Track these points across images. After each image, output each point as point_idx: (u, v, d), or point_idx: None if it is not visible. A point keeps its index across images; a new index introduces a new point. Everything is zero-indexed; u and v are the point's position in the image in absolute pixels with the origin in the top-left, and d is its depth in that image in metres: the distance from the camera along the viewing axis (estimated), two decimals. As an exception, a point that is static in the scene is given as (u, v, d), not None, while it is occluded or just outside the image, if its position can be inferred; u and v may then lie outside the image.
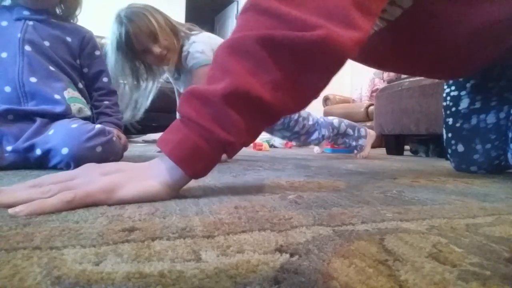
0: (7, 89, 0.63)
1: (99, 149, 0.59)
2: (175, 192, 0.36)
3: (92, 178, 0.33)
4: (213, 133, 0.34)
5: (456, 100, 0.83)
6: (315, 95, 0.40)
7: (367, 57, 0.71)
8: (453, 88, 0.85)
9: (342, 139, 1.36)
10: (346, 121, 1.37)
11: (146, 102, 0.99)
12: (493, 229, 0.28)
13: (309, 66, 0.36)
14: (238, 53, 0.35)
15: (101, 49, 0.82)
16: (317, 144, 1.32)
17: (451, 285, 0.17)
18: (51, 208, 0.28)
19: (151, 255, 0.20)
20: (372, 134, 1.40)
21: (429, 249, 0.22)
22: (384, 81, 3.06)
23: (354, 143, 1.36)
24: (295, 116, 1.23)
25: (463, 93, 0.82)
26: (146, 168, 0.36)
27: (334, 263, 0.19)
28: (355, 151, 1.38)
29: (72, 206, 0.29)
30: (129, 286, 0.16)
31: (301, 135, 1.29)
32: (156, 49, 0.88)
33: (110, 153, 0.64)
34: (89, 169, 0.35)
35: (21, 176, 0.49)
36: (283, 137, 1.32)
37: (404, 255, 0.21)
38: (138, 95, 0.98)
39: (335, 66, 0.37)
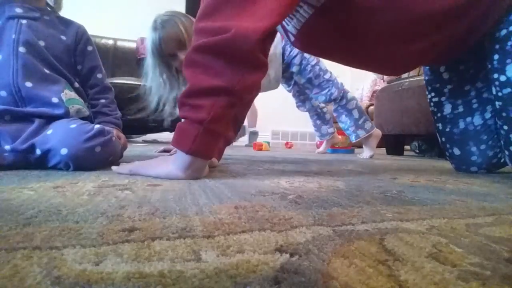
0: (3, 93, 0.62)
1: (98, 149, 0.59)
2: (184, 172, 0.52)
3: (145, 163, 0.58)
4: (187, 116, 0.50)
5: (439, 106, 0.83)
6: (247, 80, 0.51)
7: (309, 46, 0.72)
8: (433, 94, 0.84)
9: (345, 117, 1.35)
10: (359, 104, 1.37)
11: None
12: (493, 229, 0.28)
13: (230, 56, 0.48)
14: (189, 65, 0.51)
15: (95, 46, 0.81)
16: (326, 102, 1.35)
17: (451, 285, 0.17)
18: (125, 171, 0.56)
19: (151, 255, 0.20)
20: (376, 134, 1.38)
21: (429, 249, 0.22)
22: (384, 81, 3.05)
23: (352, 128, 1.35)
24: (313, 61, 1.26)
25: (443, 99, 0.82)
26: (168, 159, 0.56)
27: (334, 263, 0.19)
28: (360, 154, 1.38)
29: (133, 173, 0.55)
30: (129, 286, 0.16)
31: (314, 87, 1.30)
32: (182, 56, 0.93)
33: (110, 153, 0.63)
34: (146, 161, 0.59)
35: (21, 176, 0.49)
36: (294, 83, 1.33)
37: (404, 255, 0.21)
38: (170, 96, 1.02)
39: (249, 52, 0.48)
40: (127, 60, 2.27)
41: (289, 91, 1.52)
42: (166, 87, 0.99)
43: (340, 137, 1.74)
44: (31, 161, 0.58)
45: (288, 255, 0.20)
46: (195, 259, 0.19)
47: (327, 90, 1.31)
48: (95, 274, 0.17)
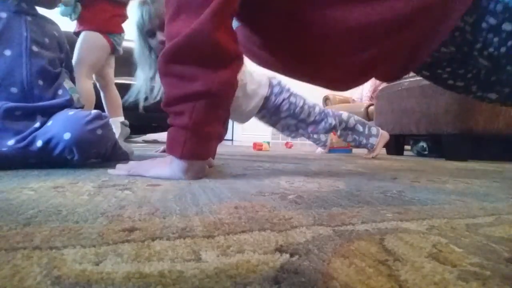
0: (14, 90, 0.62)
1: (99, 131, 0.60)
2: (185, 175, 0.52)
3: (142, 164, 0.58)
4: (173, 123, 0.51)
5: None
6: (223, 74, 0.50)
7: (248, 53, 0.67)
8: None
9: (352, 136, 1.35)
10: (356, 117, 1.36)
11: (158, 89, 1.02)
12: (493, 229, 0.28)
13: (196, 57, 0.48)
14: (163, 74, 0.51)
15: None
16: (326, 133, 1.32)
17: (451, 285, 0.17)
18: (123, 172, 0.56)
19: (151, 255, 0.20)
20: (384, 135, 1.38)
21: (429, 249, 0.22)
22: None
23: (364, 141, 1.35)
24: (300, 102, 1.22)
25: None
26: (167, 161, 0.55)
27: (334, 263, 0.19)
28: (367, 152, 1.37)
29: (130, 174, 0.56)
30: (129, 286, 0.16)
31: (308, 125, 1.28)
32: (160, 36, 0.92)
33: (109, 137, 0.65)
34: (143, 161, 0.59)
35: (21, 176, 0.49)
36: (289, 128, 1.29)
37: (404, 255, 0.21)
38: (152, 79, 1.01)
39: (212, 44, 0.47)
40: (127, 60, 2.27)
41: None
42: (146, 66, 0.98)
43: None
44: (32, 154, 0.58)
45: (288, 255, 0.20)
46: (195, 259, 0.19)
47: (323, 122, 1.29)
48: (95, 274, 0.17)
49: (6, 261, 0.18)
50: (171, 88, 0.50)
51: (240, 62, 0.52)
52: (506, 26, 0.50)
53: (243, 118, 1.21)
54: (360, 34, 0.53)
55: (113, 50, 1.40)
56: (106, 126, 0.63)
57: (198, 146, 0.51)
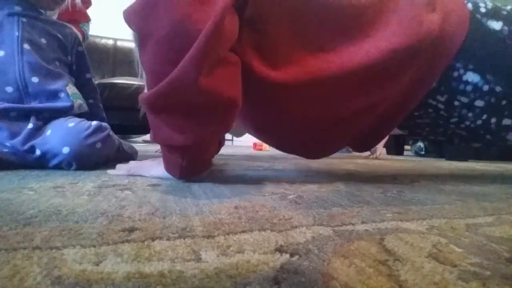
0: (9, 89, 0.62)
1: (99, 145, 0.60)
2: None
3: (142, 164, 0.59)
4: (164, 156, 0.48)
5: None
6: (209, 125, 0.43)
7: None
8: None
9: None
10: None
11: None
12: (493, 229, 0.28)
13: (179, 104, 0.40)
14: (148, 114, 0.43)
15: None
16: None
17: (451, 285, 0.17)
18: (123, 172, 0.56)
19: (151, 255, 0.20)
20: None
21: (429, 249, 0.22)
22: None
23: None
24: None
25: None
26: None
27: (334, 263, 0.19)
28: (367, 153, 1.39)
29: (131, 174, 0.55)
30: (129, 286, 0.16)
31: None
32: None
33: (110, 148, 0.64)
34: (143, 161, 0.60)
35: (21, 176, 0.49)
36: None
37: (404, 255, 0.21)
38: None
39: (200, 92, 0.38)
40: (127, 60, 2.27)
41: None
42: None
43: None
44: (30, 161, 0.58)
45: (288, 255, 0.20)
46: (195, 259, 0.19)
47: None
48: (95, 274, 0.17)
49: (6, 261, 0.18)
50: (156, 131, 0.44)
51: (237, 108, 0.44)
52: (479, 103, 0.53)
53: (236, 133, 1.19)
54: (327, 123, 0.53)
55: (83, 40, 1.39)
56: (107, 139, 0.62)
57: (195, 170, 0.50)
